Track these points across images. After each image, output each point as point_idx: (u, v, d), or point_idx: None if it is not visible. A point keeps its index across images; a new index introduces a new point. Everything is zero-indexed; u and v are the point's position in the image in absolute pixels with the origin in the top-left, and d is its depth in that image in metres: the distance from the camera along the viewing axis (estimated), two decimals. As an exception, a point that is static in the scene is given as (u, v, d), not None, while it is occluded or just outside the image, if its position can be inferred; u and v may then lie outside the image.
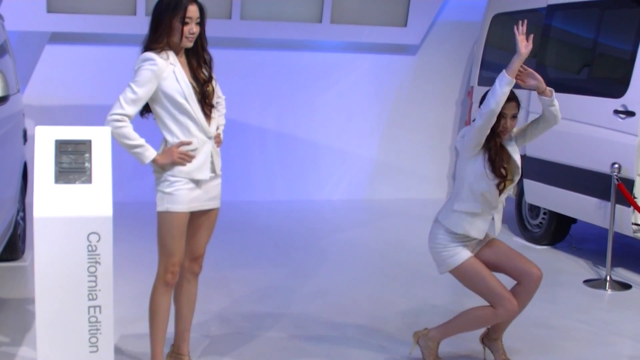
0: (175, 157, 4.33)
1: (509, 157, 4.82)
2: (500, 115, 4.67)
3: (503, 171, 4.75)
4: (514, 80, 4.52)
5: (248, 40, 10.32)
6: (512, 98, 4.68)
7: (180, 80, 4.35)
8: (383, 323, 5.92)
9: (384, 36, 10.62)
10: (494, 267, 4.90)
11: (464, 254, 4.81)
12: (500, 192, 4.78)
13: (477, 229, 4.82)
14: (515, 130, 4.88)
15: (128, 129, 4.28)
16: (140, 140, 4.31)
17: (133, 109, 4.29)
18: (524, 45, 4.50)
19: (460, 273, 4.86)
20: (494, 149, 4.75)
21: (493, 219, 4.88)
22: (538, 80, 4.63)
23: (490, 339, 5.14)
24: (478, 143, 4.70)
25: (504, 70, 4.52)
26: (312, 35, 10.42)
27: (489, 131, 4.67)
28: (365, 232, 9.09)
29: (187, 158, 4.35)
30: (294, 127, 10.59)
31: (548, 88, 4.65)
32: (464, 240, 4.83)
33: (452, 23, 10.95)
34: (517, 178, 4.87)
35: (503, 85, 4.51)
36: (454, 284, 7.21)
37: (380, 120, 10.94)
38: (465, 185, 4.81)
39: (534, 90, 4.68)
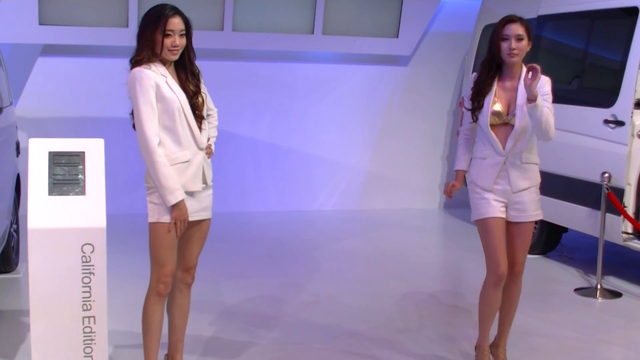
0: (187, 218, 4.36)
1: (514, 99, 4.70)
2: (504, 38, 4.61)
3: (495, 105, 4.68)
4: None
5: (240, 51, 10.36)
6: (514, 20, 4.62)
7: (175, 90, 4.37)
8: (375, 333, 5.94)
9: (375, 47, 10.66)
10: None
11: (490, 210, 4.76)
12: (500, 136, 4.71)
13: (483, 176, 4.78)
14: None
15: (160, 165, 4.23)
16: (167, 182, 4.25)
17: (153, 127, 4.27)
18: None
19: (480, 226, 4.84)
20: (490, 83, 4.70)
21: (508, 173, 4.75)
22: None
23: (494, 345, 5.13)
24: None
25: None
26: (304, 46, 10.46)
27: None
28: (357, 242, 9.11)
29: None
30: (286, 138, 10.61)
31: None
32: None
33: (444, 34, 11.00)
34: (517, 127, 4.67)
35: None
36: (446, 293, 7.24)
37: (373, 131, 10.97)
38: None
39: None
